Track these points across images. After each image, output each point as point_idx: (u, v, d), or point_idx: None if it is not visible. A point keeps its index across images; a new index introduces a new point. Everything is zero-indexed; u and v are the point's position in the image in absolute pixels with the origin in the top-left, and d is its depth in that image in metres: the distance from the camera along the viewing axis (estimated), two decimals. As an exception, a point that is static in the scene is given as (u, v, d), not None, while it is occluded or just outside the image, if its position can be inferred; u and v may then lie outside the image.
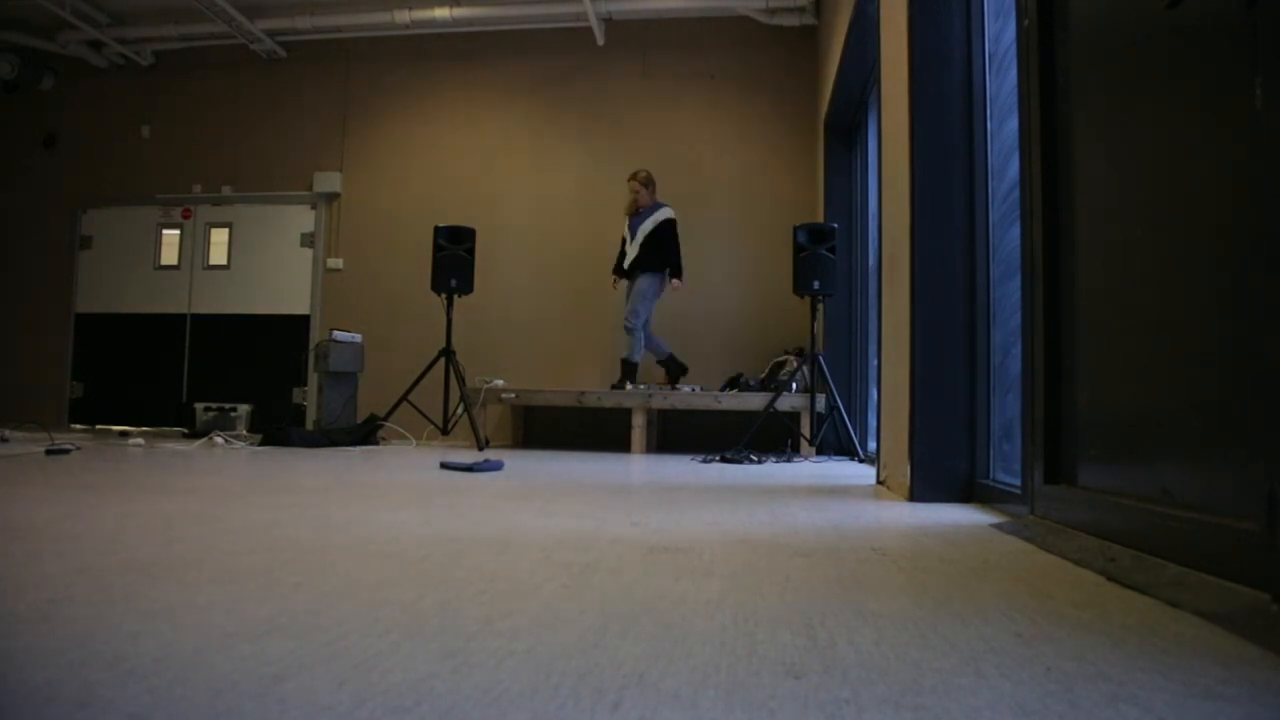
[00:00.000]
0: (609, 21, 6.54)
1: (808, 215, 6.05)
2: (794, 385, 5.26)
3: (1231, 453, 1.29)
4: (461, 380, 5.34)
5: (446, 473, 3.42)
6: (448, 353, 5.35)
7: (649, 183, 5.71)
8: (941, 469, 2.57)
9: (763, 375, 5.65)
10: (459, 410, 5.44)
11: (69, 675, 0.80)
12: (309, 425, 6.30)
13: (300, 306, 6.93)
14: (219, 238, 7.10)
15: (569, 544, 1.64)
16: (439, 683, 0.80)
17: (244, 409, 6.34)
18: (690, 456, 4.84)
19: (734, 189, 6.44)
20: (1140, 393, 1.60)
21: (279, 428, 5.20)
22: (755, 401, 5.21)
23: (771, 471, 3.84)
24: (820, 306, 5.09)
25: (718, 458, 4.46)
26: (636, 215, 5.74)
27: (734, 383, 5.62)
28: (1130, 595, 1.22)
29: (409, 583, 1.25)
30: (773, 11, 6.25)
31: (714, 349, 6.31)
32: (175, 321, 7.07)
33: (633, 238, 5.70)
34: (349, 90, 6.99)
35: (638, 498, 2.58)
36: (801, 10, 6.20)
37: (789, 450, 5.02)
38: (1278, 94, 1.15)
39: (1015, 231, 2.31)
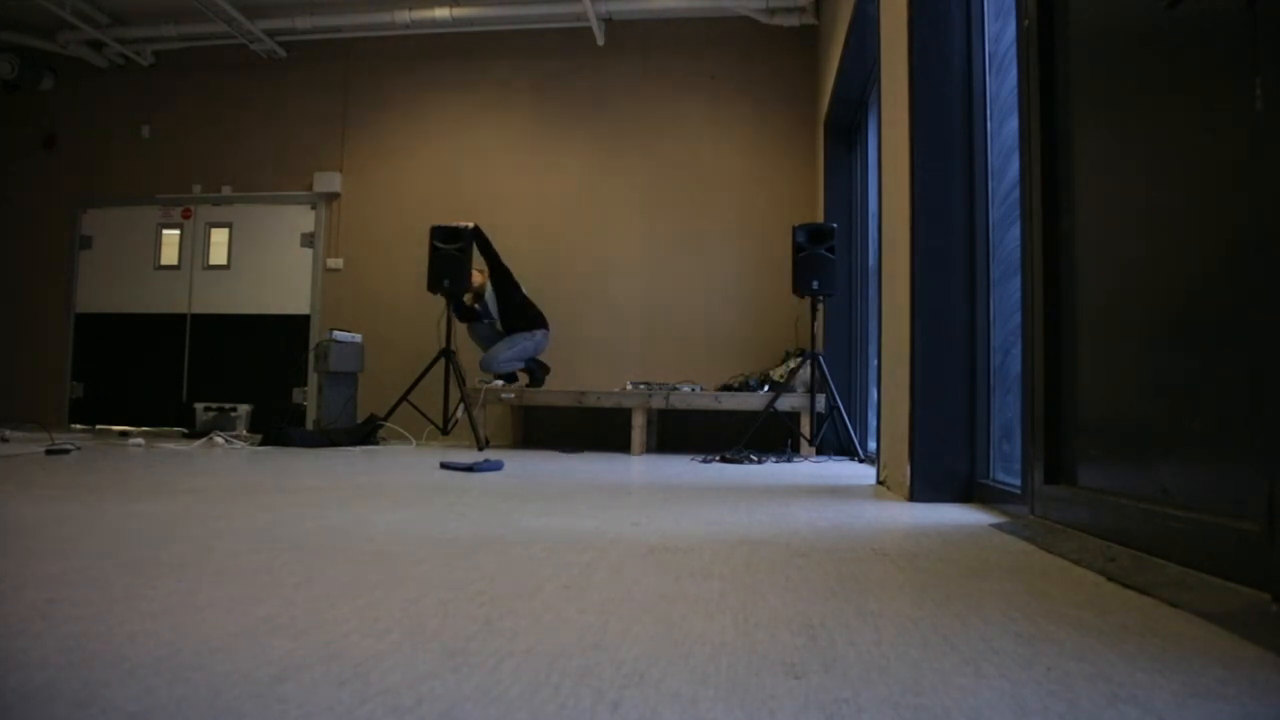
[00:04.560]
0: (609, 21, 6.54)
1: (808, 215, 6.05)
2: (795, 385, 5.25)
3: (1231, 453, 1.29)
4: (461, 380, 5.34)
5: (446, 473, 3.41)
6: (447, 353, 5.35)
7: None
8: (941, 469, 2.58)
9: (780, 377, 5.55)
10: (459, 410, 5.43)
11: (69, 675, 0.80)
12: (309, 425, 6.30)
13: (300, 306, 6.93)
14: (219, 238, 7.10)
15: (569, 544, 1.64)
16: (439, 683, 0.80)
17: (244, 409, 6.34)
18: (690, 456, 4.83)
19: (734, 189, 6.44)
20: (1140, 393, 1.60)
21: (279, 428, 5.19)
22: (755, 401, 5.21)
23: (771, 471, 3.84)
24: (820, 306, 5.09)
25: (718, 458, 4.46)
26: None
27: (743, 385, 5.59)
28: (1130, 595, 1.22)
29: (409, 583, 1.25)
30: (773, 11, 6.25)
31: (712, 349, 6.31)
32: (175, 321, 7.06)
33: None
34: (349, 90, 6.99)
35: (638, 498, 2.58)
36: (801, 10, 6.20)
37: (789, 450, 5.01)
38: (1278, 94, 1.15)
39: (1015, 231, 2.31)
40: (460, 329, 5.73)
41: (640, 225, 6.53)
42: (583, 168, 6.65)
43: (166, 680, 0.79)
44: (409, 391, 5.31)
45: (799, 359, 5.25)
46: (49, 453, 3.93)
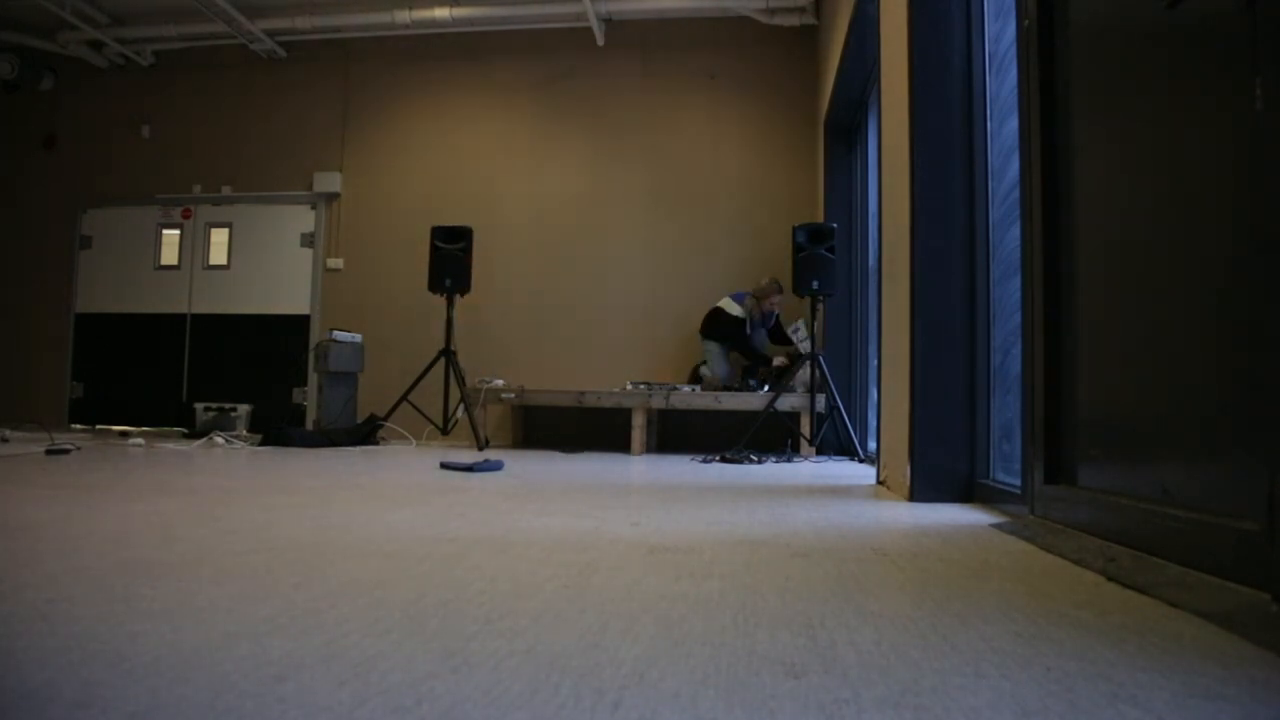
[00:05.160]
0: (609, 21, 6.54)
1: (808, 215, 6.05)
2: (795, 385, 5.25)
3: (1231, 453, 1.29)
4: (461, 380, 5.34)
5: (446, 473, 3.41)
6: (447, 353, 5.35)
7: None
8: (941, 469, 2.57)
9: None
10: (459, 410, 5.43)
11: (69, 675, 0.80)
12: (309, 425, 6.30)
13: (300, 306, 6.93)
14: (219, 238, 7.10)
15: (569, 544, 1.64)
16: (439, 683, 0.80)
17: (244, 409, 6.34)
18: (690, 456, 4.84)
19: (734, 189, 6.44)
20: (1140, 393, 1.60)
21: (279, 428, 5.19)
22: (755, 401, 5.21)
23: (771, 471, 3.84)
24: (820, 306, 5.09)
25: (718, 458, 4.46)
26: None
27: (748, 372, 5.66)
28: (1130, 595, 1.22)
29: (409, 583, 1.25)
30: (773, 11, 6.25)
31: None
32: (175, 321, 7.06)
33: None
34: (349, 90, 6.99)
35: (638, 498, 2.58)
36: (801, 10, 6.20)
37: (789, 450, 5.02)
38: (1278, 94, 1.15)
39: (1015, 231, 2.31)
40: (460, 329, 5.73)
41: (640, 225, 6.53)
42: (583, 167, 6.65)
43: (166, 680, 0.79)
44: (409, 391, 5.31)
45: (799, 359, 5.26)
46: (49, 453, 3.93)
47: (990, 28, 2.68)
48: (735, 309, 5.70)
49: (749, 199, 6.41)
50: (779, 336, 5.76)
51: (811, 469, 4.05)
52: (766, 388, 5.39)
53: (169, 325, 7.06)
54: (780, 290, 5.63)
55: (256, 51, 6.99)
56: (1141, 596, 1.21)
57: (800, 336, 5.39)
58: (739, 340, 5.69)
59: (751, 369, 5.73)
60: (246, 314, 6.98)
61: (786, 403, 5.15)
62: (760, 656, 0.90)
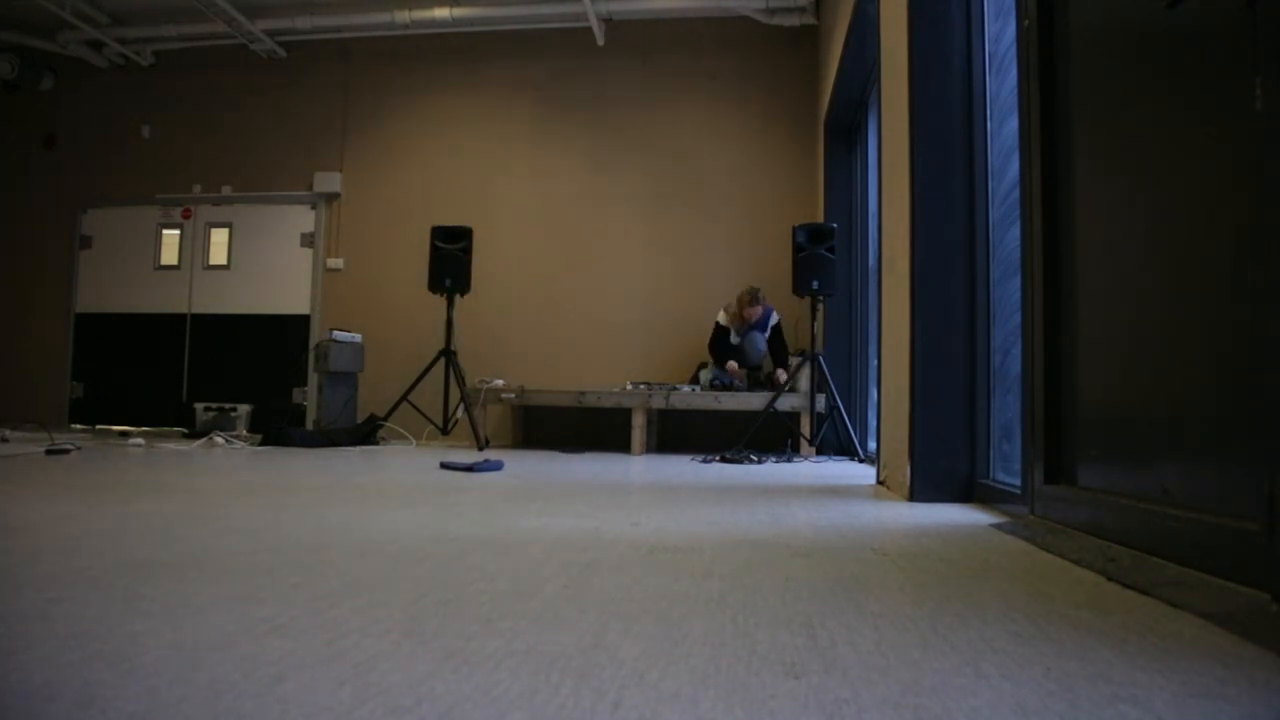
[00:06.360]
0: (609, 22, 6.54)
1: (808, 215, 6.05)
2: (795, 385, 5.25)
3: (1231, 453, 1.29)
4: (461, 380, 5.34)
5: (446, 473, 3.41)
6: (448, 353, 5.35)
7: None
8: (941, 469, 2.57)
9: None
10: (459, 410, 5.43)
11: (69, 675, 0.80)
12: (309, 425, 6.30)
13: (300, 306, 6.93)
14: (219, 238, 7.10)
15: (569, 544, 1.64)
16: (439, 683, 0.80)
17: (244, 409, 6.34)
18: (690, 457, 4.83)
19: (734, 188, 6.43)
20: (1140, 393, 1.60)
21: (279, 428, 5.19)
22: (755, 401, 5.21)
23: (771, 471, 3.84)
24: (820, 306, 5.09)
25: (718, 458, 4.46)
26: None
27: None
28: (1130, 595, 1.22)
29: (409, 583, 1.25)
30: (773, 11, 6.25)
31: (714, 349, 6.30)
32: (175, 321, 7.06)
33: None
34: (349, 90, 6.99)
35: (638, 498, 2.58)
36: (801, 10, 6.20)
37: (789, 450, 5.01)
38: (1278, 94, 1.15)
39: (1015, 231, 2.31)
40: (460, 329, 5.73)
41: (640, 225, 6.53)
42: (582, 168, 6.65)
43: (166, 680, 0.79)
44: (409, 391, 5.31)
45: (799, 359, 5.26)
46: (49, 453, 3.93)
47: (990, 28, 2.68)
48: (721, 318, 5.72)
49: (749, 199, 6.41)
50: (778, 346, 5.71)
51: (811, 469, 4.05)
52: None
53: (169, 325, 7.06)
54: (756, 301, 5.52)
55: (256, 51, 6.99)
56: (1141, 596, 1.21)
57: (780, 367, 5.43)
58: (724, 346, 5.67)
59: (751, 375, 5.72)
60: (246, 314, 6.98)
61: (786, 403, 5.15)
62: (760, 656, 0.90)
